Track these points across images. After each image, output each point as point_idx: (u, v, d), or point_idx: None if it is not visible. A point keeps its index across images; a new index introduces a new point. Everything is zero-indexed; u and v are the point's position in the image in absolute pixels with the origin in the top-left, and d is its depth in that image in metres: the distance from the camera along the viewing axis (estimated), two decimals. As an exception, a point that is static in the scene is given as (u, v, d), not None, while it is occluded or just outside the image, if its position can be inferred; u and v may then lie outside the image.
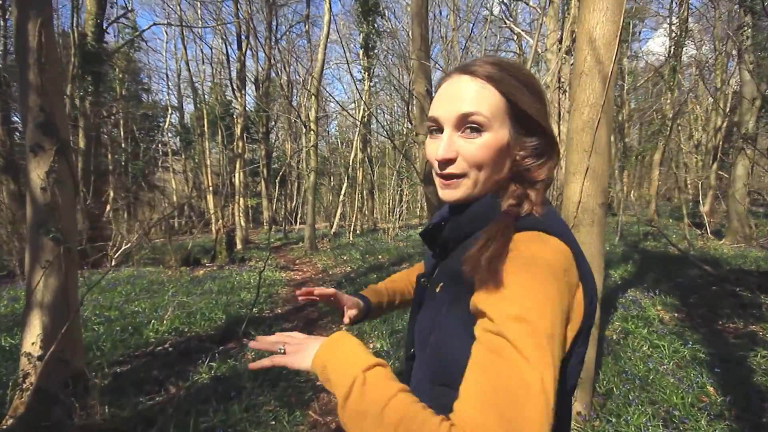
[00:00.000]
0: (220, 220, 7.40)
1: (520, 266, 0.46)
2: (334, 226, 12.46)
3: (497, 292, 0.45)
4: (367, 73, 12.09)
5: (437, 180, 0.60)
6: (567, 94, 10.51)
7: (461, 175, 0.57)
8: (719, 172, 12.57)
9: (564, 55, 9.85)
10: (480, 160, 0.55)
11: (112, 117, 21.40)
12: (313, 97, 8.94)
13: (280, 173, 20.03)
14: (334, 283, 6.27)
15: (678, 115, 16.09)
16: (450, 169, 0.57)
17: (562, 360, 0.44)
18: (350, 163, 13.28)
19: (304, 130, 10.58)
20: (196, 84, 16.68)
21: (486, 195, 0.58)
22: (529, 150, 0.58)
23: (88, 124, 8.04)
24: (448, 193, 0.58)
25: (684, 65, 15.14)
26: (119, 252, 7.32)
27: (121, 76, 19.56)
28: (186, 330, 4.00)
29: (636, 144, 20.98)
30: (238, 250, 10.58)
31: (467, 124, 0.55)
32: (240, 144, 11.25)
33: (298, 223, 21.74)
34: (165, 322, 4.04)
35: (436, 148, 0.57)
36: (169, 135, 24.72)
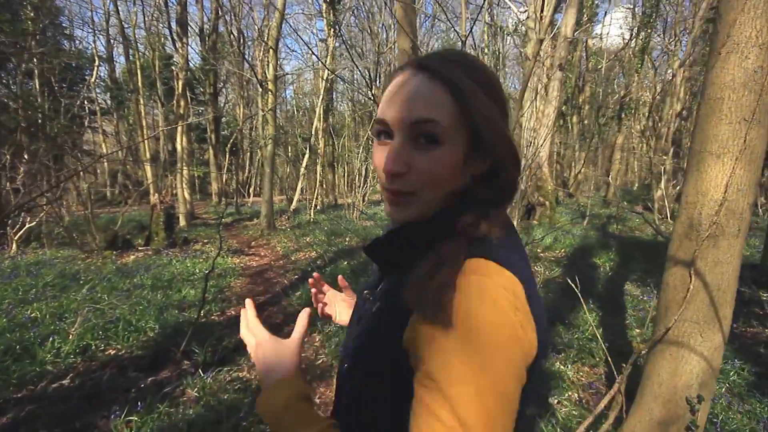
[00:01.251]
0: (156, 194, 6.08)
1: (468, 307, 0.40)
2: (294, 202, 11.32)
3: (439, 338, 0.39)
4: (331, 31, 10.73)
5: (384, 194, 0.51)
6: (549, 70, 9.94)
7: (412, 193, 0.48)
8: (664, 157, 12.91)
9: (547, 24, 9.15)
10: (435, 176, 0.48)
11: (22, 64, 18.02)
12: (271, 50, 7.60)
13: (231, 141, 18.19)
14: (299, 272, 5.36)
15: (633, 99, 16.40)
16: (400, 185, 0.48)
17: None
18: (312, 132, 11.99)
19: (260, 90, 9.19)
20: (127, 31, 14.21)
21: (439, 211, 0.50)
22: (487, 163, 0.50)
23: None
24: (397, 212, 0.50)
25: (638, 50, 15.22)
26: (21, 230, 5.83)
27: (32, 14, 16.28)
28: (102, 349, 2.95)
29: (590, 126, 21.41)
30: (181, 228, 9.19)
31: (422, 132, 0.46)
32: (182, 103, 9.58)
33: (251, 195, 20.10)
34: (71, 337, 2.96)
35: (383, 157, 0.49)
36: (98, 91, 21.45)
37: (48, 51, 18.76)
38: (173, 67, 12.68)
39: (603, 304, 3.95)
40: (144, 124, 13.20)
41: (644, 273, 5.29)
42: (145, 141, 11.77)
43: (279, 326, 3.60)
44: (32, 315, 3.41)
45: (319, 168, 12.47)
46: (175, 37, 10.43)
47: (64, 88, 21.79)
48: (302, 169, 11.50)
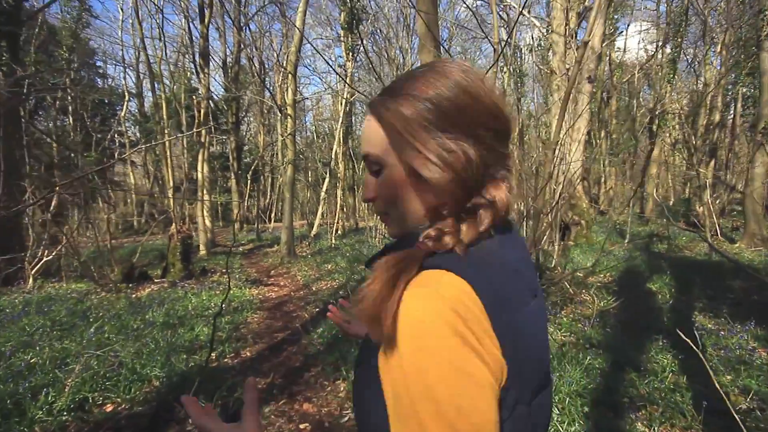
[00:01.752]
0: (173, 224, 5.89)
1: (405, 321, 0.40)
2: (315, 227, 11.06)
3: (386, 350, 0.41)
4: (350, 55, 10.71)
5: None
6: (577, 79, 9.46)
7: (384, 213, 0.55)
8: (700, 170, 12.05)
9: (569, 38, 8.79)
10: (389, 196, 0.53)
11: (56, 101, 19.00)
12: (290, 76, 7.52)
13: (252, 167, 18.38)
14: (320, 304, 4.96)
15: (665, 110, 15.64)
16: (376, 208, 0.57)
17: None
18: (332, 156, 11.84)
19: (279, 115, 9.12)
20: (153, 65, 14.74)
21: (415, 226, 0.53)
22: (430, 176, 0.48)
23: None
24: (388, 229, 0.57)
25: (667, 61, 14.60)
26: (38, 264, 5.70)
27: (67, 55, 17.25)
28: (100, 403, 2.60)
29: (618, 140, 20.59)
30: (201, 257, 9.02)
31: (369, 164, 0.53)
32: (203, 132, 9.63)
33: (272, 221, 20.11)
34: (67, 389, 2.63)
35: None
36: (127, 125, 22.32)
37: (83, 89, 19.76)
38: (194, 97, 12.89)
39: (675, 342, 3.35)
40: (168, 154, 13.42)
41: (710, 300, 4.63)
42: (170, 171, 11.91)
43: (297, 371, 3.18)
44: (32, 360, 3.12)
45: (339, 192, 12.25)
46: (198, 69, 10.64)
47: (96, 123, 22.84)
48: (323, 194, 11.29)
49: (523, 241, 0.55)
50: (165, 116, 13.00)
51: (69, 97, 19.77)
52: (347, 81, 9.39)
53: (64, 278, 6.22)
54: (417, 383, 0.38)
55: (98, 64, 25.12)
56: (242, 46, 19.07)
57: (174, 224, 6.01)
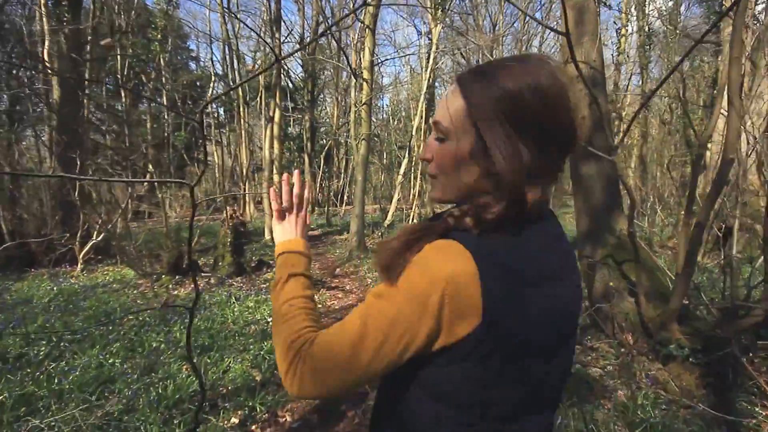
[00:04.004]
0: (227, 209, 4.97)
1: (412, 266, 0.49)
2: (389, 215, 9.76)
3: (384, 280, 0.51)
4: (437, 13, 8.97)
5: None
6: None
7: (433, 176, 0.59)
8: None
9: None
10: (440, 165, 0.57)
11: (149, 83, 20.09)
12: (368, 30, 6.15)
13: (326, 148, 17.69)
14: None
15: None
16: (427, 168, 0.60)
17: (415, 360, 0.51)
18: (413, 133, 10.30)
19: (353, 83, 7.85)
20: (232, 40, 14.44)
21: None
22: (488, 164, 0.52)
23: (64, 66, 5.86)
24: (430, 191, 0.63)
25: None
26: (85, 248, 5.12)
27: (159, 36, 17.95)
28: None
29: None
30: (265, 242, 8.23)
31: (436, 130, 0.57)
32: (272, 104, 8.74)
33: (344, 204, 19.38)
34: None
35: None
36: (213, 106, 23.11)
37: (175, 71, 20.73)
38: (262, 63, 12.22)
39: None
40: (243, 133, 13.07)
41: None
42: (243, 149, 11.47)
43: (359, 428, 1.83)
44: (22, 393, 2.20)
45: (417, 175, 10.76)
46: (269, 30, 9.77)
47: (189, 105, 24.10)
48: (399, 177, 9.90)
49: (559, 231, 0.59)
50: (240, 94, 12.53)
51: (163, 79, 20.91)
52: (433, 47, 7.76)
53: (118, 261, 5.68)
54: (384, 291, 0.51)
55: (191, 47, 26.44)
56: (320, 19, 18.18)
57: (225, 210, 5.07)
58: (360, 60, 6.81)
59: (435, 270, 0.47)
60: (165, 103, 21.14)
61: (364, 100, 6.46)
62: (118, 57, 18.44)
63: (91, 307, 3.77)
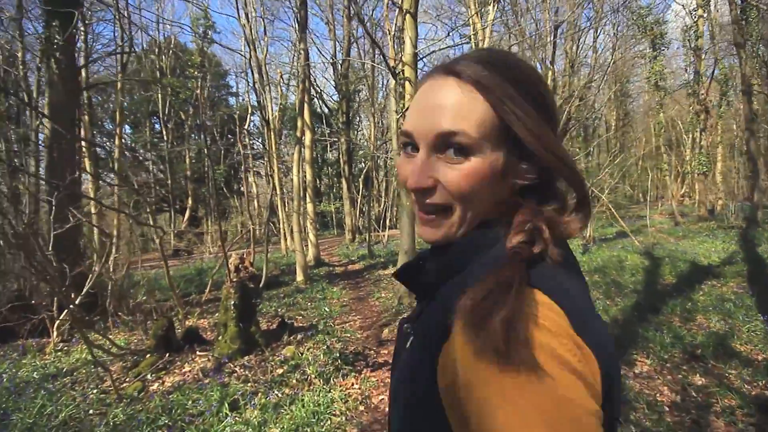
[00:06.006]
0: (232, 255, 3.64)
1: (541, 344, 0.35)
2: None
3: (494, 379, 0.32)
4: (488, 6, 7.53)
5: (416, 212, 0.48)
6: None
7: (445, 208, 0.45)
8: None
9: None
10: (467, 191, 0.43)
11: (188, 119, 20.28)
12: (408, 16, 4.83)
13: (365, 171, 16.53)
14: None
15: None
16: (431, 200, 0.45)
17: None
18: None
19: (392, 86, 6.50)
20: (262, 68, 13.88)
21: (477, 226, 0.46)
22: (533, 171, 0.44)
23: (55, 94, 4.99)
24: (428, 232, 0.47)
25: None
26: (62, 315, 3.96)
27: (196, 73, 18.04)
28: None
29: None
30: (296, 286, 6.88)
31: (450, 145, 0.43)
32: (299, 123, 7.59)
33: (387, 230, 17.96)
34: None
35: (408, 172, 0.46)
36: (251, 138, 23.06)
37: (216, 108, 20.90)
38: (295, 85, 11.29)
39: None
40: (275, 161, 12.21)
41: None
42: (275, 177, 10.49)
43: None
44: None
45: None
46: (295, 40, 8.84)
47: (230, 138, 24.30)
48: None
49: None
50: (271, 117, 11.70)
51: (204, 114, 21.15)
52: (487, 30, 6.28)
53: (112, 326, 4.52)
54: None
55: (230, 83, 26.97)
56: (352, 39, 17.44)
57: (225, 258, 3.71)
58: (400, 53, 5.46)
59: (549, 336, 0.34)
60: (204, 138, 21.28)
61: (406, 105, 5.09)
62: (159, 97, 18.88)
63: (27, 408, 2.53)
